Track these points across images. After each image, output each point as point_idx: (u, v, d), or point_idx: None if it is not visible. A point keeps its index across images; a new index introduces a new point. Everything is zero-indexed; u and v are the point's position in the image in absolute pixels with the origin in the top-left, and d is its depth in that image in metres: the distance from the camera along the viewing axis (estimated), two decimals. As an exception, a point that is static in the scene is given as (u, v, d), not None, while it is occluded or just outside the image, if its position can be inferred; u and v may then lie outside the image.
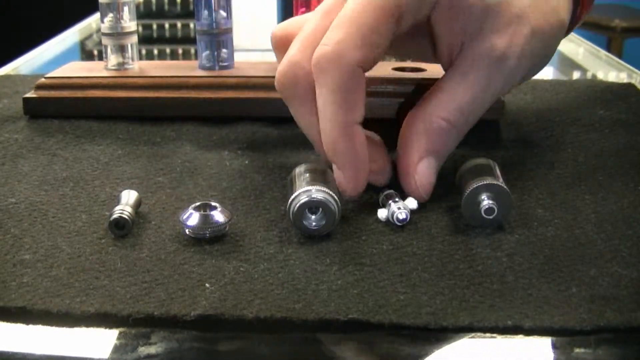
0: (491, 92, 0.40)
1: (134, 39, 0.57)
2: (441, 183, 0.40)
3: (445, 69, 0.42)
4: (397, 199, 0.38)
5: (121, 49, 0.57)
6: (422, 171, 0.39)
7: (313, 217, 0.36)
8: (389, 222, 0.37)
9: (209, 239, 0.36)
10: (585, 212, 0.38)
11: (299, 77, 0.40)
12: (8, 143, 0.49)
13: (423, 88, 0.43)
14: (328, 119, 0.38)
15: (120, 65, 0.57)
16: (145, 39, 1.20)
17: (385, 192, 0.39)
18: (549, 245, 0.35)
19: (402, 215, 0.37)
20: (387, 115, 0.50)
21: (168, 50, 1.16)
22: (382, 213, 0.38)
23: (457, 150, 0.41)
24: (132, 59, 0.57)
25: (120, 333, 0.29)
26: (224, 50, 0.56)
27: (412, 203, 0.38)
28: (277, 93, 0.42)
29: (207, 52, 0.56)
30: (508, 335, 0.29)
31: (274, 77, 0.41)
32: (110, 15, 0.56)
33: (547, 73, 0.80)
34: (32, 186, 0.42)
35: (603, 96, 0.58)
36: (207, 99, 0.53)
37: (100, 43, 0.60)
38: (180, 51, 1.15)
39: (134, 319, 0.30)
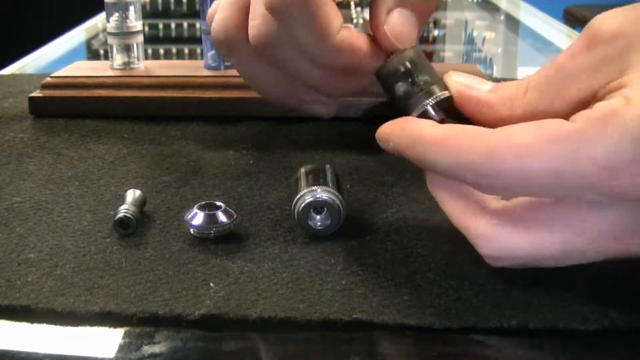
0: None
1: (140, 38, 0.57)
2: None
3: None
4: None
5: (127, 49, 0.57)
6: (392, 21, 0.36)
7: (318, 217, 0.36)
8: None
9: (213, 238, 0.36)
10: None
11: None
12: (13, 142, 0.49)
13: None
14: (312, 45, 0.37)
15: (126, 65, 0.57)
16: (151, 39, 1.20)
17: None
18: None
19: None
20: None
21: (174, 50, 1.16)
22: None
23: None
24: (138, 59, 0.57)
25: (124, 332, 0.29)
26: (229, 50, 0.56)
27: None
28: None
29: (213, 51, 0.56)
30: (512, 336, 0.29)
31: None
32: (116, 14, 0.56)
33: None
34: (38, 185, 0.42)
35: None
36: (212, 99, 0.53)
37: (106, 42, 0.60)
38: (186, 51, 1.16)
39: (138, 318, 0.30)
